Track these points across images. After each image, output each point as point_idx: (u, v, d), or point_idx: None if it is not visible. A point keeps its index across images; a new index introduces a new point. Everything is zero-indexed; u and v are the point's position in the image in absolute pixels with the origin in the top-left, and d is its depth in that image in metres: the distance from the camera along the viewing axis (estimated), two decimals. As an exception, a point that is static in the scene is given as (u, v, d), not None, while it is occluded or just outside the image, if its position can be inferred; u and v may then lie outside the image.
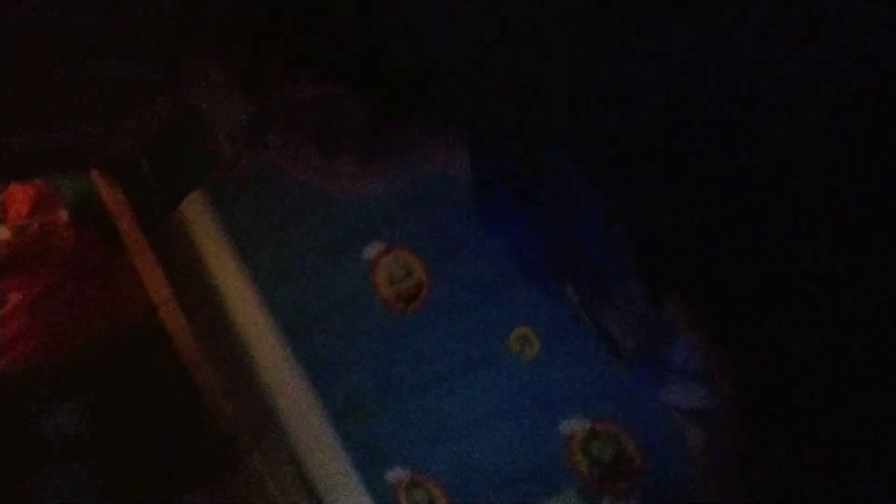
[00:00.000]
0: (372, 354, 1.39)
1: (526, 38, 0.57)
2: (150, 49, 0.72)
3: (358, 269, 1.35)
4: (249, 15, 0.60)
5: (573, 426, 1.19)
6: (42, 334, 1.39)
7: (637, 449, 1.16)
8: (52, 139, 1.11)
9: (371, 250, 1.33)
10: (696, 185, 0.51)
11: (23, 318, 1.39)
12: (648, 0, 0.52)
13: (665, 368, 0.60)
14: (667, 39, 0.52)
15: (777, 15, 0.53)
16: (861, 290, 0.51)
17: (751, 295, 0.50)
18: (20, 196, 1.54)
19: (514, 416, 1.25)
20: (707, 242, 0.52)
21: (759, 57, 0.51)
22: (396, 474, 1.42)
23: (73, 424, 1.32)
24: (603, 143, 0.53)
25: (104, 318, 1.48)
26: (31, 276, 1.43)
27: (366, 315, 1.36)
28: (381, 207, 1.30)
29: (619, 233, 0.52)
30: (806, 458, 0.52)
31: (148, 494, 1.34)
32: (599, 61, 0.53)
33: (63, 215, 1.52)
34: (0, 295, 1.41)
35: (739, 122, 0.50)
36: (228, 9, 0.60)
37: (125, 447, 1.35)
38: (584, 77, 0.54)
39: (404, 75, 0.60)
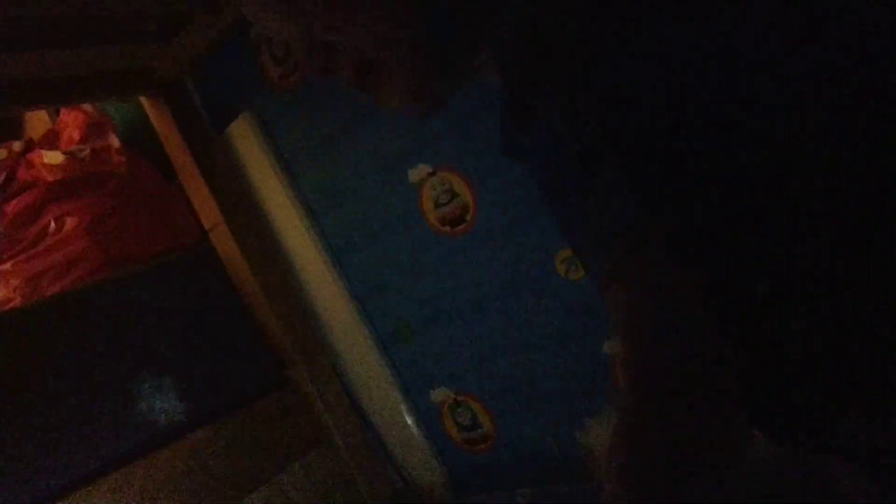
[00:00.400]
0: (418, 277, 1.41)
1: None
2: None
3: (404, 191, 1.35)
4: None
5: (616, 346, 1.20)
6: (98, 257, 1.43)
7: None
8: (99, 64, 1.11)
9: (417, 173, 1.33)
10: (696, 185, 0.49)
11: (80, 242, 1.43)
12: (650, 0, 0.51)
13: None
14: (667, 38, 0.50)
15: (777, 14, 0.51)
16: (859, 288, 0.50)
17: (751, 294, 0.49)
18: (72, 122, 1.57)
19: (558, 336, 1.26)
20: (707, 241, 0.50)
21: (759, 56, 0.49)
22: (440, 394, 1.45)
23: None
24: (603, 143, 0.50)
25: (157, 241, 1.52)
26: (86, 201, 1.46)
27: (412, 237, 1.38)
28: (427, 128, 1.30)
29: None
30: None
31: (198, 412, 1.39)
32: (601, 60, 0.51)
33: (114, 140, 1.55)
34: (57, 219, 1.44)
35: (739, 121, 0.49)
36: None
37: (180, 366, 1.40)
38: (585, 77, 0.51)
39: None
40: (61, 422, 1.20)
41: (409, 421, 1.51)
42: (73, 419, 1.22)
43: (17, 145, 1.55)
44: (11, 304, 1.35)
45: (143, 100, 1.54)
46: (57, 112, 1.65)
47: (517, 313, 1.31)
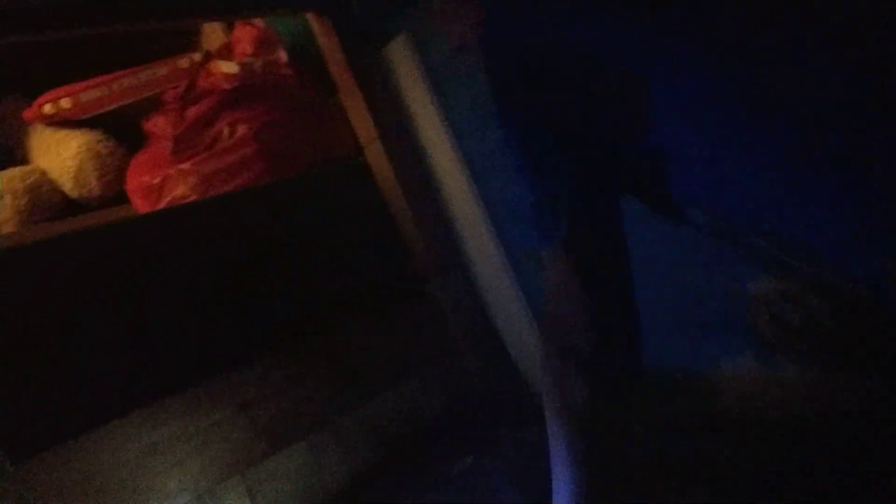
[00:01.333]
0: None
1: None
2: None
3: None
4: None
5: (760, 286, 1.18)
6: (265, 162, 1.55)
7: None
8: None
9: None
10: None
11: (249, 147, 1.55)
12: None
13: None
14: None
15: None
16: None
17: None
18: (245, 36, 1.68)
19: (701, 268, 1.24)
20: None
21: None
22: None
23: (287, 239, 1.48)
24: None
25: (317, 152, 1.62)
26: (256, 110, 1.58)
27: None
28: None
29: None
30: None
31: (338, 313, 1.50)
32: None
33: (283, 55, 1.65)
34: (230, 125, 1.57)
35: None
36: None
37: (329, 268, 1.51)
38: None
39: None
40: (213, 305, 1.34)
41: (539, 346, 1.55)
42: (223, 305, 1.35)
43: (197, 56, 1.69)
44: (187, 199, 1.50)
45: (309, 16, 1.62)
46: (231, 27, 1.77)
47: (660, 238, 1.30)
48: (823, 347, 1.15)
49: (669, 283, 1.29)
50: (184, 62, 1.68)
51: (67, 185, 1.59)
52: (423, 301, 1.62)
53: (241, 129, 1.55)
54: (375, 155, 1.60)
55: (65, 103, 1.60)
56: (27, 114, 1.63)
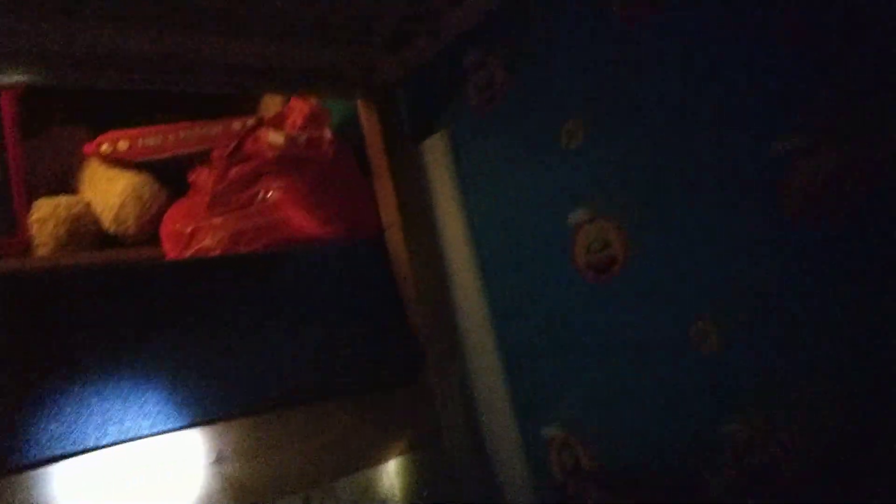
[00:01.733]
0: (553, 312, 1.47)
1: None
2: None
3: (561, 231, 1.42)
4: None
5: (735, 428, 1.19)
6: (291, 229, 1.64)
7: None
8: (331, 65, 1.29)
9: (577, 216, 1.39)
10: None
11: (280, 213, 1.64)
12: None
13: None
14: None
15: None
16: None
17: None
18: (297, 110, 1.80)
19: (678, 407, 1.27)
20: None
21: None
22: (552, 430, 1.50)
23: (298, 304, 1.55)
24: None
25: (341, 227, 1.70)
26: (293, 180, 1.67)
27: (557, 275, 1.44)
28: (595, 173, 1.36)
29: None
30: None
31: (331, 386, 1.54)
32: None
33: (328, 133, 1.76)
34: (266, 190, 1.66)
35: None
36: None
37: (331, 340, 1.56)
38: None
39: None
40: (209, 357, 1.39)
41: (517, 448, 1.57)
42: (218, 359, 1.40)
43: (250, 121, 1.81)
44: (212, 252, 1.59)
45: (358, 101, 1.73)
46: (288, 99, 1.90)
47: (644, 371, 1.33)
48: None
49: (652, 417, 1.31)
50: (237, 125, 1.80)
51: (107, 221, 1.70)
52: (416, 388, 1.66)
53: (275, 195, 1.64)
54: (394, 239, 1.67)
55: (122, 145, 1.73)
56: (87, 148, 1.76)
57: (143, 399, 1.34)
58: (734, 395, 1.19)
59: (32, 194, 1.69)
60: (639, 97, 1.28)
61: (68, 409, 1.27)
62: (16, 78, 1.37)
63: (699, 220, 1.21)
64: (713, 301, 1.20)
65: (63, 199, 1.69)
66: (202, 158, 1.77)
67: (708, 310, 1.21)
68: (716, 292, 1.20)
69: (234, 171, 1.67)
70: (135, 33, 1.32)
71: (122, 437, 1.30)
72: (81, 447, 1.26)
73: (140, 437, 1.30)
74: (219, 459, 1.33)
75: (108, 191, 1.71)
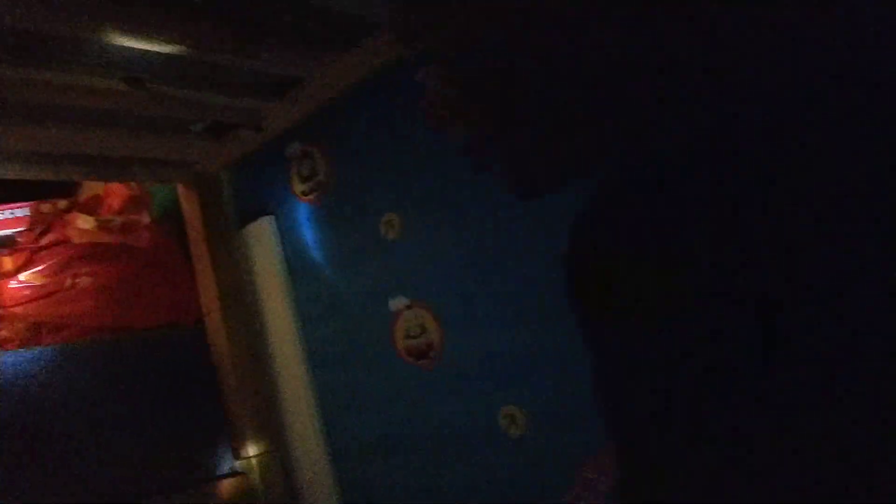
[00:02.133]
0: (382, 402, 1.47)
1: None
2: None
3: (382, 317, 1.44)
4: None
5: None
6: (100, 319, 1.56)
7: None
8: (148, 150, 1.24)
9: (396, 303, 1.42)
10: None
11: (88, 301, 1.56)
12: None
13: None
14: None
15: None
16: None
17: None
18: (115, 193, 1.73)
19: (498, 492, 1.29)
20: None
21: None
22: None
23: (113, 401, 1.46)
24: None
25: (158, 315, 1.64)
26: (106, 266, 1.60)
27: (381, 360, 1.45)
28: (412, 262, 1.40)
29: None
30: None
31: (152, 483, 1.45)
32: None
33: (146, 217, 1.70)
34: (75, 277, 1.58)
35: None
36: None
37: (147, 435, 1.48)
38: None
39: None
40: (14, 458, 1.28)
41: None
42: (23, 465, 1.30)
43: (62, 204, 1.72)
44: (9, 346, 1.47)
45: (179, 186, 1.70)
46: (107, 182, 1.82)
47: (462, 458, 1.35)
48: None
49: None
50: (46, 207, 1.70)
51: None
52: (239, 478, 1.59)
53: (85, 282, 1.56)
54: (214, 325, 1.63)
55: (-89, 227, 1.59)
56: None
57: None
58: (540, 476, 1.23)
59: None
60: (449, 194, 1.34)
61: None
62: None
63: (504, 309, 1.27)
64: (519, 387, 1.25)
65: None
66: (6, 242, 1.65)
67: (514, 396, 1.26)
68: (521, 378, 1.25)
69: (39, 257, 1.58)
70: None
71: None
72: None
73: None
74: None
75: None
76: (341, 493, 1.55)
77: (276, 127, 1.55)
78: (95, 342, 1.51)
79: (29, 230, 1.65)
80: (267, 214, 1.67)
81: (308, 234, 1.61)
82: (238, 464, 1.58)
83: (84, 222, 1.60)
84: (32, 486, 1.32)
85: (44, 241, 1.61)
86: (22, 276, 1.55)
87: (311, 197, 1.59)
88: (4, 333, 1.49)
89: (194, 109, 1.44)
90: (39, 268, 1.56)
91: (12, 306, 1.52)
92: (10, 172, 1.43)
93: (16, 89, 1.20)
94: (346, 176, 1.52)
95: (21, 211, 1.69)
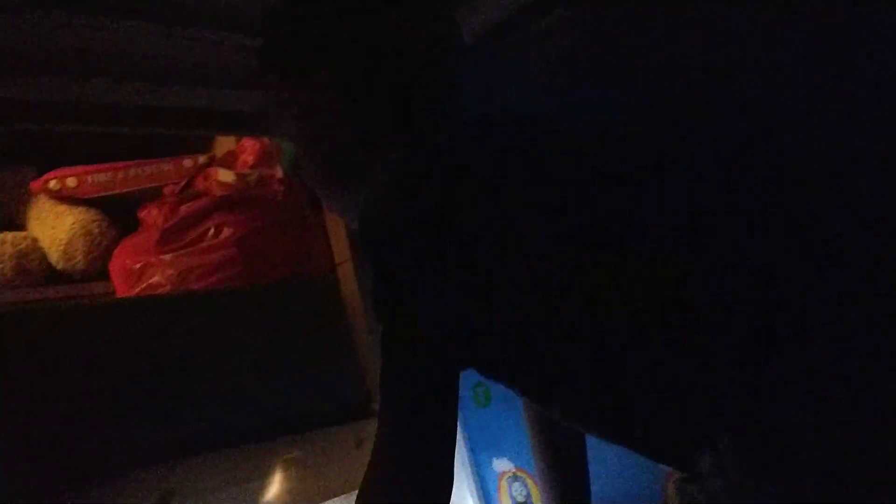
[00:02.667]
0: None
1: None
2: None
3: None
4: None
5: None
6: (242, 266, 1.65)
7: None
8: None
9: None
10: None
11: (229, 250, 1.65)
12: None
13: None
14: None
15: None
16: None
17: None
18: (249, 149, 1.82)
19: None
20: None
21: None
22: (502, 464, 1.53)
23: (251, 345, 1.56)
24: None
25: (292, 264, 1.72)
26: (244, 217, 1.69)
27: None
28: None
29: None
30: None
31: (283, 423, 1.55)
32: None
33: (279, 171, 1.78)
34: (216, 227, 1.68)
35: None
36: None
37: (281, 376, 1.57)
38: None
39: None
40: (160, 395, 1.39)
41: (469, 482, 1.60)
42: (170, 397, 1.40)
43: (202, 159, 1.83)
44: (161, 290, 1.59)
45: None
46: (240, 138, 1.92)
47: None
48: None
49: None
50: (188, 162, 1.81)
51: (55, 257, 1.69)
52: (370, 420, 1.67)
53: (225, 233, 1.66)
54: (346, 275, 1.70)
55: (70, 182, 1.73)
56: (34, 185, 1.75)
57: (90, 438, 1.33)
58: None
59: (-23, 231, 1.67)
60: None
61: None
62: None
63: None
64: None
65: (9, 236, 1.68)
66: (152, 195, 1.77)
67: None
68: None
69: (184, 209, 1.68)
70: (93, 83, 1.34)
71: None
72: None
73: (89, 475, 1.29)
74: (165, 498, 1.33)
75: (56, 227, 1.70)
76: (466, 436, 1.61)
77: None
78: (237, 290, 1.60)
79: (173, 183, 1.76)
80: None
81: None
82: (370, 405, 1.66)
83: (224, 176, 1.69)
84: (175, 420, 1.43)
85: (187, 193, 1.72)
86: (168, 227, 1.66)
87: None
88: (156, 279, 1.61)
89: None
90: (184, 218, 1.67)
91: (161, 254, 1.63)
92: (161, 128, 1.52)
93: (160, 48, 1.27)
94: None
95: (165, 165, 1.81)
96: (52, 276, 1.73)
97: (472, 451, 1.59)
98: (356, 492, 0.79)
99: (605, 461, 1.31)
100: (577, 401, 0.77)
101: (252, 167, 1.77)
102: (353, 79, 0.85)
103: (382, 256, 0.75)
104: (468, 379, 1.59)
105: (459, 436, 1.59)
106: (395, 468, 0.74)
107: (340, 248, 1.71)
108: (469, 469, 1.59)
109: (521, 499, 1.50)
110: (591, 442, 1.33)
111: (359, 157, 0.86)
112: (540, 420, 1.11)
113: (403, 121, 0.86)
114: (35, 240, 1.73)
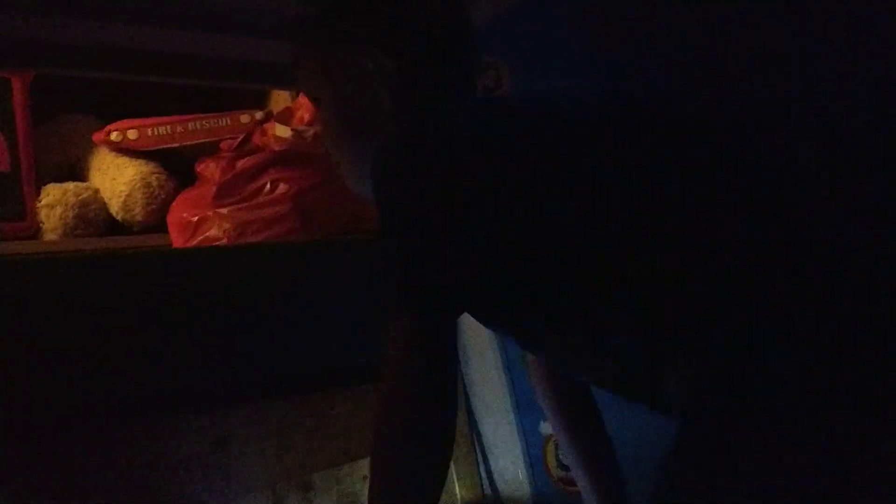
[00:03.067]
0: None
1: None
2: None
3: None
4: None
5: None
6: (297, 221, 1.66)
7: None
8: None
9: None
10: None
11: (285, 205, 1.66)
12: None
13: None
14: None
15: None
16: None
17: None
18: (305, 106, 1.82)
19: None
20: None
21: None
22: (549, 427, 1.52)
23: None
24: None
25: (346, 220, 1.73)
26: (299, 173, 1.70)
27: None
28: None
29: None
30: None
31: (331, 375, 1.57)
32: None
33: (334, 128, 1.78)
34: (273, 182, 1.69)
35: None
36: None
37: (333, 329, 1.59)
38: None
39: None
40: (218, 343, 1.42)
41: (514, 443, 1.60)
42: (227, 345, 1.43)
43: (259, 114, 1.84)
44: (218, 242, 1.61)
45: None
46: (297, 94, 1.92)
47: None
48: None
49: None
50: (245, 118, 1.83)
51: (114, 207, 1.72)
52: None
53: (281, 188, 1.67)
54: (398, 235, 1.69)
55: (131, 134, 1.75)
56: (96, 136, 1.78)
57: (147, 383, 1.36)
58: None
59: (41, 180, 1.71)
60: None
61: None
62: (27, 66, 1.40)
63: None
64: None
65: (71, 186, 1.71)
66: (210, 149, 1.79)
67: None
68: None
69: (241, 163, 1.70)
70: (149, 30, 1.35)
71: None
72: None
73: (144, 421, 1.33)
74: (221, 444, 1.36)
75: (116, 178, 1.74)
76: (512, 392, 1.60)
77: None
78: (293, 243, 1.62)
79: (230, 138, 1.78)
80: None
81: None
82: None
83: (281, 131, 1.70)
84: (228, 369, 1.45)
85: (244, 148, 1.73)
86: (225, 181, 1.68)
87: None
88: (213, 232, 1.63)
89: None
90: (241, 173, 1.68)
91: (218, 208, 1.65)
92: (220, 80, 1.53)
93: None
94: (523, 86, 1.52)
95: (223, 120, 1.82)
96: (111, 226, 1.77)
97: (519, 414, 1.59)
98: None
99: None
100: (565, 355, 0.86)
101: (308, 123, 1.78)
102: (388, 46, 0.92)
103: (389, 198, 0.80)
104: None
105: (507, 399, 1.60)
106: (394, 417, 0.76)
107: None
108: (516, 432, 1.59)
109: (566, 461, 1.50)
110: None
111: (379, 114, 0.93)
112: (546, 379, 1.15)
113: (426, 86, 0.93)
114: (96, 190, 1.76)
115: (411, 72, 0.92)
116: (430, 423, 0.74)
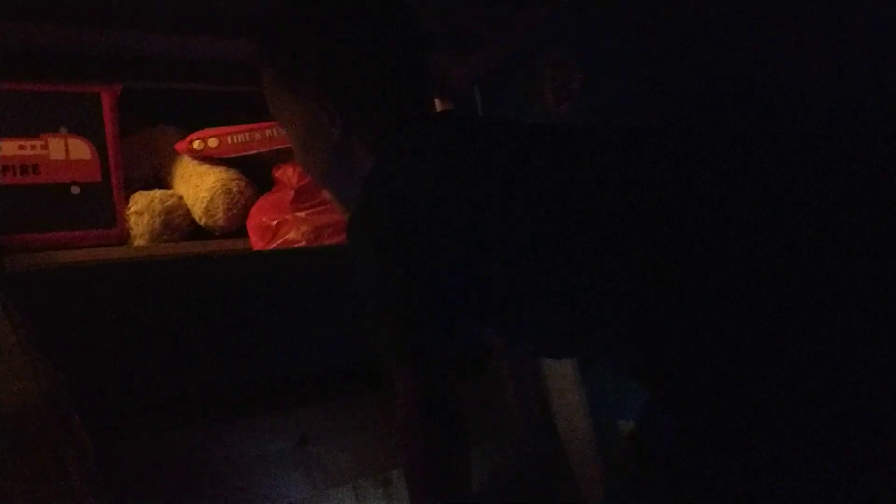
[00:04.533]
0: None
1: None
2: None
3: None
4: None
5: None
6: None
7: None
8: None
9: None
10: None
11: (334, 214, 1.71)
12: None
13: None
14: None
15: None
16: None
17: None
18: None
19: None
20: None
21: None
22: (628, 425, 1.51)
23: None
24: None
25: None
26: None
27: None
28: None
29: None
30: None
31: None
32: None
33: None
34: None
35: None
36: None
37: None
38: None
39: None
40: (300, 341, 1.46)
41: (591, 442, 1.59)
42: (308, 343, 1.47)
43: (333, 120, 1.88)
44: (296, 244, 1.66)
45: (436, 101, 1.78)
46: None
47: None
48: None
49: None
50: (320, 123, 1.87)
51: (198, 213, 1.79)
52: (489, 377, 1.70)
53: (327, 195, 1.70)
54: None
55: (212, 142, 1.82)
56: (179, 145, 1.86)
57: (231, 382, 1.42)
58: None
59: (130, 189, 1.79)
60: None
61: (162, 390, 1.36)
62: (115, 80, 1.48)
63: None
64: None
65: (158, 193, 1.79)
66: (287, 155, 1.84)
67: None
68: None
69: (317, 168, 1.74)
70: (230, 43, 1.41)
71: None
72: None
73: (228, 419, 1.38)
74: (303, 441, 1.40)
75: (199, 185, 1.80)
76: (588, 389, 1.60)
77: (524, 39, 1.57)
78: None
79: (306, 144, 1.82)
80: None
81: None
82: (487, 356, 1.69)
83: (356, 136, 1.73)
84: (308, 367, 1.49)
85: (319, 153, 1.77)
86: (302, 186, 1.73)
87: (563, 106, 1.60)
88: (291, 235, 1.68)
89: (438, 18, 1.50)
90: (317, 177, 1.73)
91: (296, 212, 1.70)
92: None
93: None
94: (599, 86, 1.51)
95: (298, 126, 1.87)
96: (195, 231, 1.84)
97: (597, 412, 1.59)
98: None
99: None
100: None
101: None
102: (325, 87, 0.96)
103: (366, 267, 0.92)
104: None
105: (582, 398, 1.60)
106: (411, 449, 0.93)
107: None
108: (593, 431, 1.58)
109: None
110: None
111: (334, 149, 1.00)
112: None
113: (372, 123, 0.98)
114: (180, 197, 1.84)
115: (354, 111, 0.95)
116: (441, 449, 0.88)
